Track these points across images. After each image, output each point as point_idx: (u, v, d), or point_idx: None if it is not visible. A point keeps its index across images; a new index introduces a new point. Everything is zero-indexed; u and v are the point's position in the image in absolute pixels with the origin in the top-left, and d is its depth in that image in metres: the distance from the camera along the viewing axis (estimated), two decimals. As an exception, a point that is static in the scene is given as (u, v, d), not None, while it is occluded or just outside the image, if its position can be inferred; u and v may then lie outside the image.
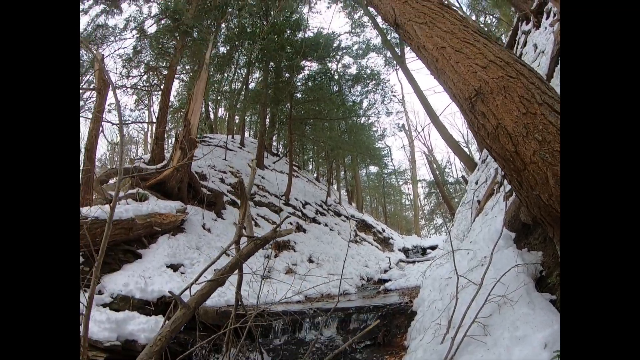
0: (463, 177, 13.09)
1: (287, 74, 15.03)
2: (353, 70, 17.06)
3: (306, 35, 15.62)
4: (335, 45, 16.28)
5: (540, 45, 5.46)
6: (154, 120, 12.88)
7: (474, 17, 13.77)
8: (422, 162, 30.86)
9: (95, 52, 9.12)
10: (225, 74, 18.01)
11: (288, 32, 14.60)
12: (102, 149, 21.84)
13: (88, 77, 10.71)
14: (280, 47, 13.36)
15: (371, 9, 13.27)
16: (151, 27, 11.47)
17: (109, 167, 17.54)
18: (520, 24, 7.29)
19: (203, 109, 17.76)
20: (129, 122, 14.02)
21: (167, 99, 10.34)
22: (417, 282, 6.18)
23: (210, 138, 17.20)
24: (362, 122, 18.58)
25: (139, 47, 11.37)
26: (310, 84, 16.06)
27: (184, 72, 15.09)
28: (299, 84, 15.88)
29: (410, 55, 13.85)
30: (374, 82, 16.19)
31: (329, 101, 15.60)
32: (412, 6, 3.13)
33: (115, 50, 11.23)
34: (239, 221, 4.13)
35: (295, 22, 14.99)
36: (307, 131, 18.70)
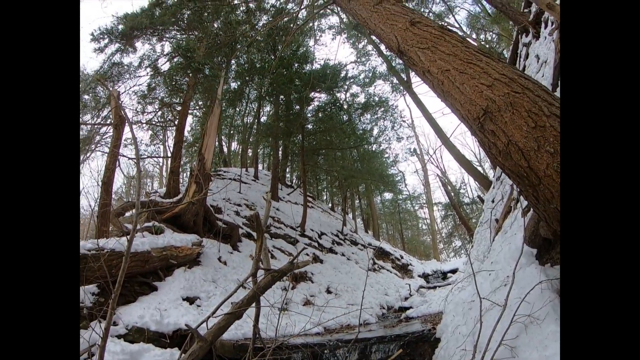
0: (479, 196, 12.90)
1: (298, 106, 15.40)
2: (361, 98, 17.43)
3: (314, 68, 16.12)
4: (342, 75, 16.71)
5: (542, 55, 5.49)
6: (169, 154, 13.25)
7: (474, 36, 14.03)
8: (436, 185, 30.55)
9: (111, 89, 9.57)
10: (237, 109, 18.58)
11: (296, 65, 15.11)
12: (118, 182, 22.42)
13: (105, 112, 11.21)
14: (289, 80, 13.78)
15: (375, 38, 13.69)
16: (164, 65, 12.09)
17: (125, 200, 17.89)
18: (520, 36, 7.36)
19: (217, 143, 18.24)
20: (145, 156, 14.45)
21: (181, 134, 10.67)
22: (439, 307, 5.98)
23: (225, 171, 17.50)
24: (373, 149, 18.69)
25: (153, 84, 11.90)
26: (320, 115, 16.38)
27: (197, 107, 15.61)
28: (309, 115, 16.21)
29: (416, 79, 14.10)
30: (382, 109, 16.45)
31: (339, 131, 15.82)
32: (413, 32, 3.23)
33: (130, 87, 11.78)
34: (255, 254, 4.13)
35: (302, 55, 15.52)
36: (320, 161, 18.89)
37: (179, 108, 11.49)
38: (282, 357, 4.27)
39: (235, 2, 11.24)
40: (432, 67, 3.00)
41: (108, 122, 10.06)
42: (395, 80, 15.91)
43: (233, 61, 13.98)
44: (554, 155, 2.01)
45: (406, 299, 10.23)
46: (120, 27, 10.90)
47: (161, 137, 16.04)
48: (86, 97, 11.32)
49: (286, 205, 15.25)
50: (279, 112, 15.61)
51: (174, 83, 11.42)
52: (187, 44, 10.56)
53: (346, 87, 17.35)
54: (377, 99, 16.51)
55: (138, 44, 11.82)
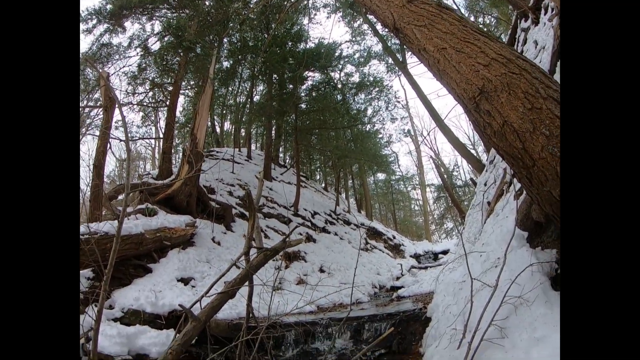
0: (471, 179, 12.97)
1: (291, 85, 15.17)
2: (356, 78, 17.19)
3: (308, 46, 15.79)
4: (336, 54, 16.43)
5: (540, 41, 5.42)
6: (161, 135, 13.05)
7: (472, 18, 13.79)
8: (429, 167, 30.62)
9: (100, 70, 9.31)
10: (230, 88, 18.26)
11: (289, 44, 14.79)
12: (110, 165, 22.12)
13: (94, 95, 10.95)
14: (283, 59, 13.51)
15: (370, 17, 13.40)
16: (155, 45, 11.74)
17: (117, 183, 17.75)
18: (519, 21, 7.26)
19: (209, 123, 17.98)
20: (136, 138, 14.21)
21: (173, 114, 10.47)
22: (431, 287, 6.08)
23: (217, 152, 17.34)
24: (367, 129, 18.60)
25: (144, 65, 11.58)
26: (314, 94, 16.18)
27: (189, 87, 15.31)
28: (303, 94, 15.99)
29: (411, 60, 13.90)
30: (377, 89, 16.26)
31: (333, 110, 15.67)
32: (410, 10, 3.14)
33: (120, 68, 11.48)
34: (248, 233, 4.12)
35: (296, 34, 15.18)
36: (314, 141, 18.77)
37: (170, 88, 11.25)
38: (276, 335, 4.34)
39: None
40: (428, 45, 2.94)
41: (98, 105, 9.83)
42: (390, 61, 15.68)
43: (225, 39, 13.60)
44: (549, 138, 1.99)
45: (398, 278, 10.40)
46: (109, 6, 10.52)
47: (152, 118, 15.75)
48: None
49: (279, 185, 15.23)
50: (272, 92, 15.37)
51: (164, 63, 11.14)
52: (177, 23, 10.23)
53: (340, 66, 17.09)
54: (371, 78, 16.32)
55: (127, 24, 11.47)
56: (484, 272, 3.24)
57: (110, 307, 5.10)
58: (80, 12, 10.57)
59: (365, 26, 16.27)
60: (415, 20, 3.06)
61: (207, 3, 11.59)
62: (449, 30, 2.77)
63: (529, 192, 2.47)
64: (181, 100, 15.69)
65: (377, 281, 9.85)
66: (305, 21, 16.22)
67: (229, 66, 15.54)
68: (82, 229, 5.12)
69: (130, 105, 11.77)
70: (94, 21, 10.64)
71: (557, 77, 4.06)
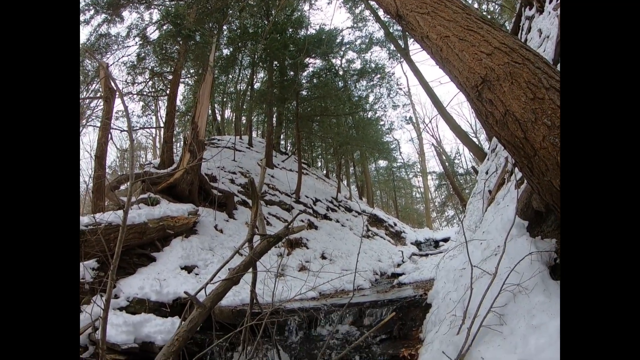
0: (473, 167, 12.96)
1: (292, 72, 15.04)
2: (357, 65, 17.01)
3: (308, 33, 15.61)
4: (338, 41, 16.21)
5: (544, 30, 5.35)
6: (162, 125, 13.03)
7: (476, 5, 13.56)
8: (431, 154, 30.61)
9: (99, 61, 9.26)
10: (230, 76, 18.11)
11: (290, 30, 14.61)
12: (111, 156, 22.17)
13: (94, 86, 10.90)
14: (283, 45, 13.37)
15: (372, 2, 13.18)
16: (153, 34, 11.67)
17: (119, 173, 17.80)
18: (523, 9, 7.15)
19: (210, 111, 17.91)
20: (138, 128, 14.19)
21: (173, 103, 10.44)
22: (431, 274, 6.16)
23: (219, 140, 17.32)
24: (369, 116, 18.50)
25: (143, 54, 11.52)
26: (315, 81, 16.05)
27: (189, 75, 15.21)
28: (304, 81, 15.88)
29: (414, 47, 13.71)
30: (378, 75, 16.11)
31: (335, 97, 15.58)
32: (413, -4, 3.11)
33: (119, 59, 11.42)
34: (251, 220, 4.16)
35: (296, 20, 14.98)
36: (315, 128, 18.71)
37: (170, 77, 11.19)
38: (279, 320, 4.43)
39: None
40: (431, 33, 2.92)
41: (98, 96, 9.79)
42: (392, 47, 15.46)
43: (225, 27, 13.44)
44: (551, 128, 2.00)
45: (399, 265, 10.51)
46: (106, -4, 10.40)
47: (153, 107, 15.71)
48: None
49: (281, 172, 15.26)
50: (273, 79, 15.26)
51: (164, 52, 11.04)
52: (176, 11, 10.10)
53: (342, 53, 16.89)
54: (373, 65, 16.13)
55: (125, 13, 11.39)
56: (484, 260, 3.28)
57: (116, 297, 5.17)
58: (77, 3, 10.47)
59: (367, 12, 16.01)
60: (418, 7, 3.03)
61: (206, -10, 11.43)
62: (452, 18, 2.75)
63: (530, 182, 2.49)
64: (181, 88, 15.64)
65: (378, 268, 9.96)
66: (306, 7, 16.02)
67: (229, 54, 15.39)
68: (87, 219, 5.17)
69: (130, 95, 11.75)
70: (92, 12, 10.56)
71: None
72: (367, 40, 16.33)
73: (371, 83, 16.59)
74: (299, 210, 11.47)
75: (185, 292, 3.41)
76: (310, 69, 16.38)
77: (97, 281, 4.92)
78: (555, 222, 2.87)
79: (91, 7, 10.41)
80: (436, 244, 14.83)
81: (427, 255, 11.71)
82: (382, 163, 27.85)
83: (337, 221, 13.22)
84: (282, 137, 22.44)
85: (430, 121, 26.23)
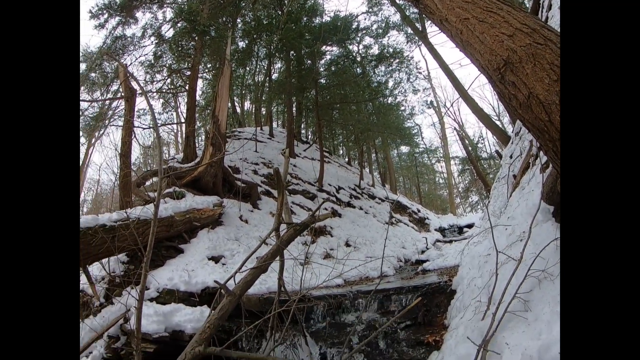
0: (497, 151, 12.61)
1: (309, 61, 14.98)
2: (375, 50, 16.72)
3: (323, 20, 15.44)
4: (353, 27, 15.98)
5: (566, 5, 5.07)
6: (183, 120, 13.31)
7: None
8: (453, 139, 29.83)
9: (119, 62, 9.52)
10: (248, 68, 18.22)
11: (305, 19, 14.51)
12: (135, 153, 22.90)
13: (114, 87, 11.23)
14: (299, 35, 13.30)
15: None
16: (168, 32, 11.83)
17: (143, 170, 18.37)
18: (542, -15, 6.80)
19: (229, 104, 18.12)
20: (160, 124, 14.56)
21: (193, 98, 10.62)
22: (455, 261, 6.11)
23: (240, 132, 17.54)
24: (389, 102, 18.25)
25: (159, 52, 11.74)
26: (333, 69, 15.93)
27: (207, 70, 15.39)
28: (322, 69, 15.79)
29: (432, 29, 13.34)
30: (397, 60, 15.79)
31: (353, 84, 15.43)
32: (430, -21, 3.04)
33: (136, 59, 11.67)
34: (277, 209, 4.24)
35: (310, 8, 14.86)
36: (335, 116, 18.63)
37: (188, 73, 11.35)
38: (307, 306, 4.52)
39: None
40: (450, 16, 2.86)
41: (119, 96, 10.10)
42: (409, 31, 15.09)
43: (239, 20, 13.48)
44: (576, 111, 1.94)
45: (423, 252, 10.45)
46: (118, -1, 10.61)
47: (173, 104, 16.08)
48: (93, 74, 11.29)
49: (303, 161, 15.34)
50: (291, 68, 15.24)
51: (180, 49, 11.21)
52: (189, 8, 10.19)
53: (358, 39, 16.65)
54: (391, 50, 15.81)
55: (139, 14, 11.59)
56: (509, 246, 3.24)
57: (146, 288, 5.37)
58: (91, 7, 10.79)
59: (382, -5, 15.66)
60: (434, -10, 2.97)
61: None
62: (470, -1, 2.68)
63: (555, 165, 2.43)
64: (200, 83, 15.87)
65: (402, 255, 9.94)
66: (320, -6, 15.81)
67: (244, 46, 15.46)
68: (116, 215, 5.40)
69: (150, 93, 12.01)
70: (105, 15, 10.82)
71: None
72: (383, 25, 16.01)
73: (390, 68, 16.30)
74: (322, 199, 11.53)
75: (216, 281, 3.53)
76: (328, 57, 16.27)
77: (127, 274, 5.14)
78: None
79: (104, 11, 10.66)
80: (460, 230, 14.62)
81: (451, 241, 11.58)
82: (404, 149, 27.56)
83: (361, 208, 13.22)
84: (302, 126, 22.48)
85: (451, 105, 25.63)
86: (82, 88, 11.03)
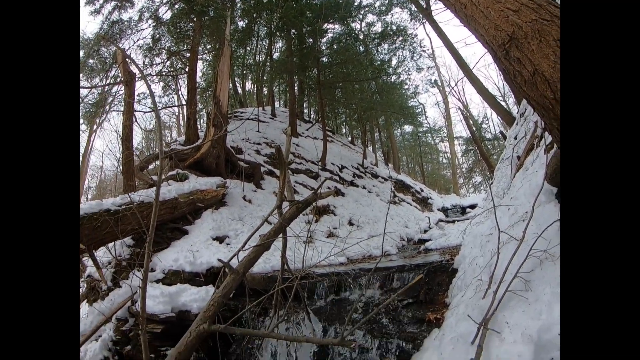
0: (501, 132, 12.47)
1: (311, 40, 14.69)
2: (378, 28, 16.34)
3: (325, -3, 15.01)
4: (356, 3, 15.59)
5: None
6: (184, 102, 13.20)
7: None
8: (457, 119, 29.47)
9: (117, 46, 9.38)
10: (248, 48, 17.93)
11: (305, -4, 14.11)
12: (137, 137, 22.87)
13: (113, 72, 11.11)
14: (300, 12, 12.99)
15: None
16: (166, 14, 11.59)
17: (145, 154, 18.40)
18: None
19: (230, 84, 17.94)
20: (161, 107, 14.47)
21: (193, 80, 10.51)
22: (458, 240, 6.14)
23: (242, 112, 17.42)
24: (392, 81, 17.95)
25: (158, 35, 11.55)
26: (335, 47, 15.63)
27: (207, 51, 15.19)
28: (323, 48, 15.49)
29: (436, 6, 12.92)
30: (400, 38, 15.41)
31: (356, 62, 15.17)
32: (435, -49, 2.94)
33: (134, 43, 11.50)
34: (279, 187, 4.25)
35: (311, -15, 14.42)
36: (338, 95, 18.41)
37: (187, 55, 11.20)
38: (310, 282, 4.59)
39: None
40: (454, -9, 2.79)
41: (118, 81, 10.01)
42: (413, 8, 14.68)
43: (238, -1, 13.14)
44: (582, 89, 1.90)
45: (425, 231, 10.49)
46: (114, -17, 10.37)
47: (173, 86, 15.92)
48: (91, 61, 11.15)
49: (306, 140, 15.27)
50: (292, 47, 14.96)
51: (178, 30, 11.04)
52: (186, -12, 9.97)
53: (361, 16, 16.24)
54: (394, 27, 15.39)
55: None
56: (511, 226, 3.24)
57: (152, 270, 5.45)
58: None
59: (385, -29, 15.19)
60: (439, -37, 2.87)
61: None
62: (475, -28, 2.60)
63: (560, 146, 2.40)
64: (200, 65, 15.70)
65: (405, 234, 10.00)
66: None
67: (244, 25, 15.14)
68: (119, 199, 5.43)
69: (149, 77, 11.87)
70: (101, 1, 10.64)
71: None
72: (386, 2, 15.57)
73: (393, 46, 15.94)
74: (325, 178, 11.52)
75: (219, 260, 3.57)
76: (330, 35, 15.94)
77: (133, 257, 5.21)
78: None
79: (100, -4, 10.45)
80: (463, 210, 14.64)
81: (453, 221, 11.60)
82: (408, 128, 27.33)
83: (364, 187, 13.23)
84: (305, 105, 22.28)
85: (456, 84, 25.13)
86: (81, 75, 10.91)
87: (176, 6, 11.04)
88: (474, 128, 19.42)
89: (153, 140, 24.19)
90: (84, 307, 5.67)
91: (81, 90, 10.89)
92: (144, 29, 11.48)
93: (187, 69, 11.15)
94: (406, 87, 19.07)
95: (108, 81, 11.41)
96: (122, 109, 8.61)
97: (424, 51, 16.28)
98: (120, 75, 8.39)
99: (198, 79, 13.79)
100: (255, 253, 3.59)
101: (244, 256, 3.60)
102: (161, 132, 3.89)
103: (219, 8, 10.98)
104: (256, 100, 21.45)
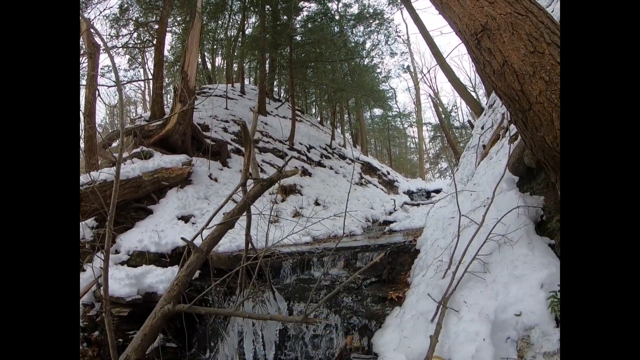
0: (469, 121, 12.89)
1: (285, 17, 14.25)
2: (355, 9, 16.08)
3: (302, -27, 14.55)
4: (334, -18, 15.21)
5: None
6: (150, 77, 12.54)
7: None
8: (427, 105, 30.02)
9: (81, 16, 8.67)
10: (220, 22, 17.20)
11: (282, -30, 13.61)
12: (101, 113, 21.58)
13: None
14: (276, -13, 12.54)
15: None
16: (135, -18, 10.84)
17: (109, 130, 17.46)
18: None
19: (199, 59, 17.20)
20: (126, 82, 13.65)
21: (161, 54, 9.93)
22: (421, 223, 6.35)
23: (210, 88, 16.80)
24: (365, 63, 17.93)
25: (125, 5, 10.84)
26: (309, 26, 15.26)
27: (176, 24, 14.42)
28: (298, 26, 15.09)
29: (414, -7, 12.90)
30: (377, 21, 15.29)
31: (330, 43, 14.95)
32: None
33: (100, 12, 10.78)
34: (244, 164, 4.17)
35: (288, -40, 13.89)
36: (309, 75, 18.11)
37: (156, 27, 10.53)
38: (274, 262, 4.61)
39: None
40: (431, -24, 2.78)
41: (81, 52, 9.32)
42: (392, -8, 14.58)
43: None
44: (548, 84, 1.99)
45: (390, 213, 10.77)
46: (79, -53, 9.46)
47: (140, 60, 14.99)
48: None
49: (274, 119, 15.05)
50: (265, 24, 14.47)
51: (148, 0, 10.29)
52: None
53: (339, -5, 15.90)
54: (371, 10, 15.25)
55: None
56: (473, 210, 3.40)
57: (116, 252, 5.26)
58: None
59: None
60: (419, -54, 2.85)
61: None
62: (454, -40, 2.60)
63: (523, 136, 2.51)
64: (169, 38, 14.94)
65: (370, 215, 10.21)
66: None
67: (217, -2, 14.45)
68: (82, 179, 5.15)
69: (115, 49, 11.14)
70: None
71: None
72: (365, -17, 15.36)
73: (369, 29, 15.82)
74: (292, 156, 11.43)
75: (182, 238, 3.49)
76: (305, 13, 15.50)
77: (97, 240, 4.99)
78: (544, 180, 2.94)
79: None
80: (428, 194, 15.08)
81: (418, 204, 11.95)
82: (378, 111, 27.50)
83: (331, 168, 13.30)
84: (275, 83, 21.78)
85: (428, 71, 25.59)
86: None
87: (146, -26, 10.37)
88: (443, 115, 19.88)
89: (117, 117, 22.89)
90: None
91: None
92: (111, -2, 10.75)
93: (154, 42, 10.50)
94: (378, 70, 19.13)
95: (70, 52, 10.56)
96: (84, 82, 8.03)
97: (399, 36, 16.32)
98: (83, 46, 7.79)
99: (166, 53, 13.12)
100: (219, 231, 3.55)
101: (208, 234, 3.55)
102: (123, 108, 3.69)
103: (191, -22, 10.41)
104: (225, 76, 20.74)
